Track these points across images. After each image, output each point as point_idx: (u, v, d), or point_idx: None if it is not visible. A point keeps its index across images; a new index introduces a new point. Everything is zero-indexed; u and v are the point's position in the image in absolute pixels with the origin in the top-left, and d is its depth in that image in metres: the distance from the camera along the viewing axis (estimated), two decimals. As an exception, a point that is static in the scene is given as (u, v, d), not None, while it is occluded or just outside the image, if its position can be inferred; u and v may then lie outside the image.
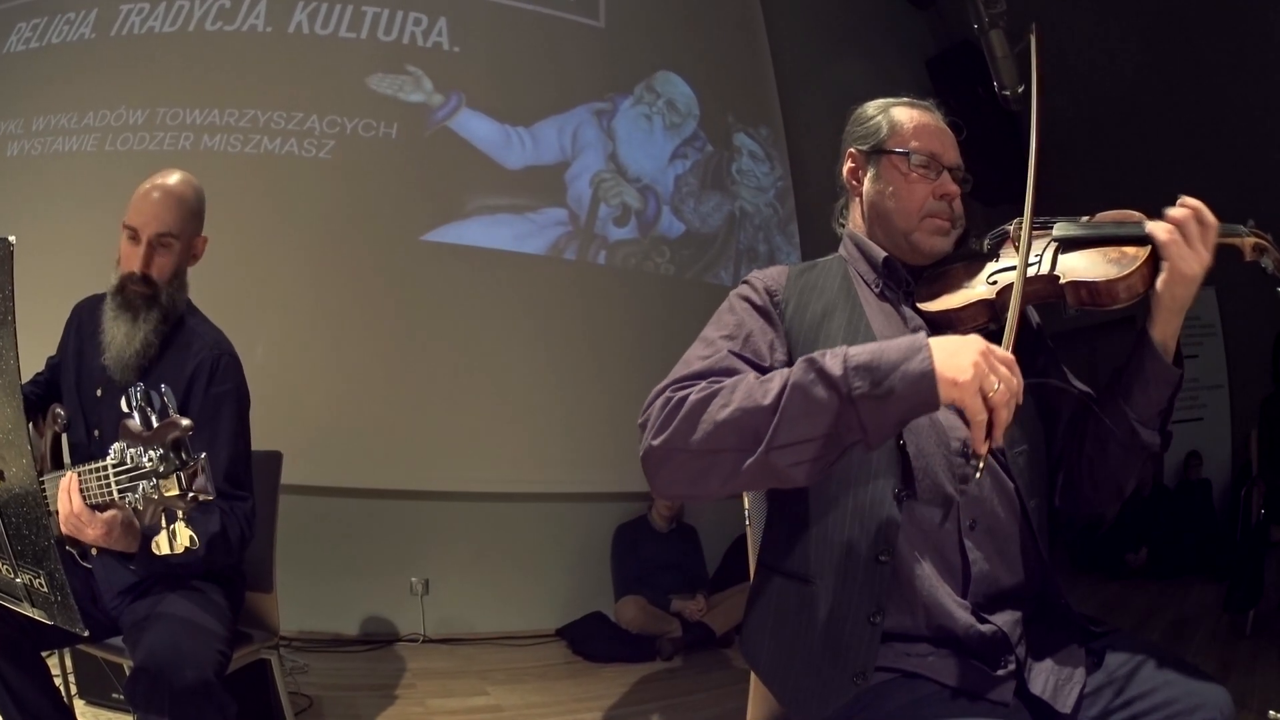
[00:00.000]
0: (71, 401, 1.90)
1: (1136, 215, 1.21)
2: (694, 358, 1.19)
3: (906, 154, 1.33)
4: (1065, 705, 1.12)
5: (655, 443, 1.08)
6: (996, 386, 0.96)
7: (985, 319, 1.22)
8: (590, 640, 3.89)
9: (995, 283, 1.24)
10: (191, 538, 1.23)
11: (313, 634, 3.69)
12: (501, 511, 4.25)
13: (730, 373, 1.14)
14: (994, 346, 1.01)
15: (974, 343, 1.00)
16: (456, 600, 4.09)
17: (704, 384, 1.11)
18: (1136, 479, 1.29)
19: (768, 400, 1.03)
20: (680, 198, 4.88)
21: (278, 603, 2.16)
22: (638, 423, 1.14)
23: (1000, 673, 1.13)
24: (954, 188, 1.32)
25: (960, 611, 1.15)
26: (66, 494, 1.46)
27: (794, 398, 1.02)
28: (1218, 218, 1.16)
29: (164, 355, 1.87)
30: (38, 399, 1.98)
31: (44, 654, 1.77)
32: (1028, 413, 1.26)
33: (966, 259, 1.32)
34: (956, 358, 0.98)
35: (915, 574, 1.16)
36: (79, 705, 2.45)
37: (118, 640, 1.78)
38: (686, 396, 1.09)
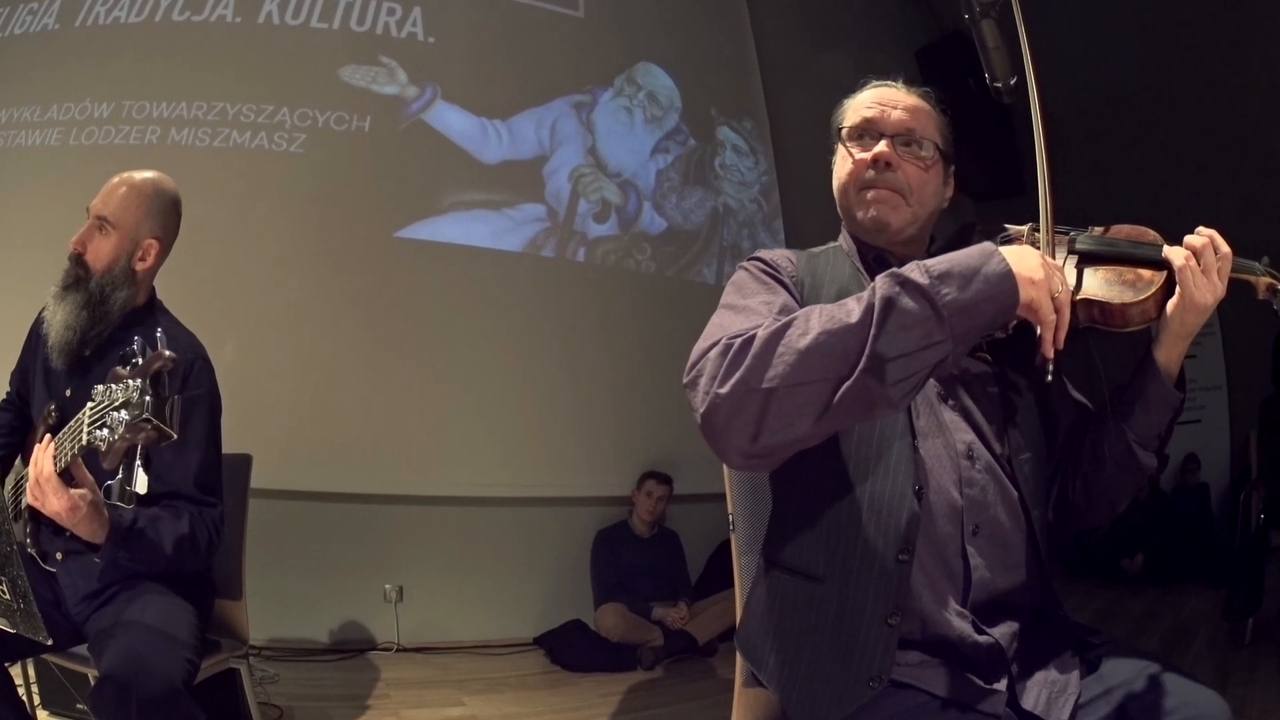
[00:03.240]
0: (42, 405, 1.86)
1: (1151, 234, 1.21)
2: (728, 321, 1.11)
3: (843, 129, 1.30)
4: (1059, 718, 1.10)
5: (724, 390, 0.99)
6: (1060, 288, 1.02)
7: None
8: (569, 649, 3.82)
9: None
10: (145, 482, 1.24)
11: (283, 642, 3.63)
12: (478, 516, 4.19)
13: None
14: None
15: (1030, 249, 1.04)
16: (431, 608, 4.03)
17: (769, 321, 1.03)
18: (1130, 497, 1.27)
19: (854, 318, 0.98)
20: (662, 193, 4.83)
21: (247, 610, 2.12)
22: (684, 382, 1.04)
23: (993, 685, 1.12)
24: (883, 150, 1.25)
25: (958, 620, 1.14)
26: (38, 458, 1.45)
27: (885, 310, 0.96)
28: (1227, 240, 1.16)
29: (114, 351, 1.80)
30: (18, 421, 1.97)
31: (6, 664, 1.75)
32: (1032, 420, 1.27)
33: None
34: (1025, 259, 1.01)
35: (916, 578, 1.14)
36: (43, 716, 2.40)
37: (82, 649, 1.73)
38: (753, 336, 1.01)
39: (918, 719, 1.10)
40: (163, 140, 3.89)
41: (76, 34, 3.96)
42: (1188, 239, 1.15)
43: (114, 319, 1.81)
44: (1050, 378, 1.05)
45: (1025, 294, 0.99)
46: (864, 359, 0.95)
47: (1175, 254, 1.14)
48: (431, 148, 4.30)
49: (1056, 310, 1.01)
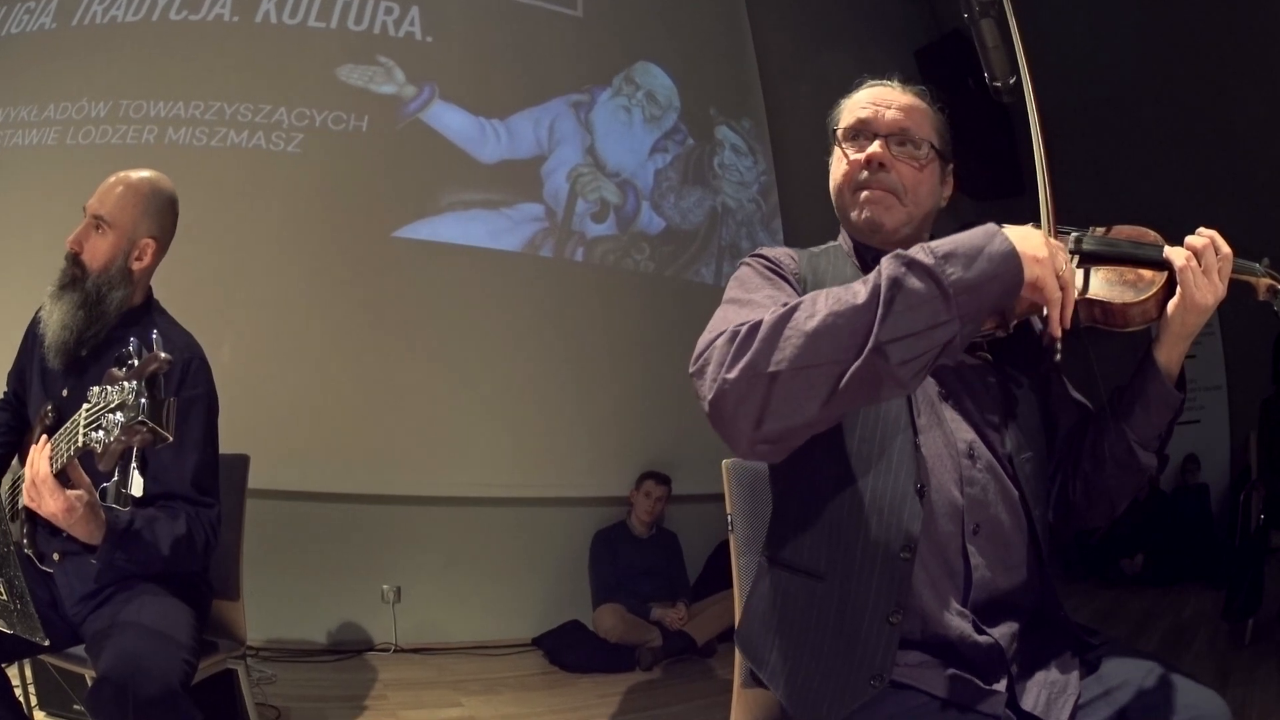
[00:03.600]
0: (38, 405, 1.85)
1: (1152, 235, 1.22)
2: (733, 315, 1.10)
3: (838, 130, 1.30)
4: (1059, 719, 1.10)
5: (732, 375, 0.98)
6: (1064, 266, 1.03)
7: (993, 325, 1.15)
8: (568, 650, 3.81)
9: None
10: (141, 484, 1.24)
11: (281, 643, 3.62)
12: (476, 517, 4.17)
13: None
14: None
15: (1033, 229, 1.06)
16: (429, 608, 4.01)
17: (775, 307, 1.03)
18: (1131, 497, 1.27)
19: (861, 300, 0.98)
20: (660, 193, 4.81)
21: (245, 611, 2.11)
22: (691, 371, 1.04)
23: (992, 685, 1.11)
24: (876, 150, 1.25)
25: (958, 620, 1.14)
26: (34, 459, 1.44)
27: (892, 291, 0.97)
28: (1227, 241, 1.16)
29: (110, 351, 1.79)
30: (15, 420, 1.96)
31: (4, 665, 1.75)
32: (1033, 420, 1.27)
33: None
34: (1029, 239, 1.02)
35: (917, 577, 1.14)
36: (40, 716, 2.40)
37: (80, 650, 1.72)
38: (760, 322, 1.01)
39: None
40: (160, 139, 3.88)
41: (73, 33, 3.95)
42: (1188, 239, 1.15)
43: (110, 319, 1.79)
44: (1059, 357, 1.07)
45: (1030, 272, 0.99)
46: (871, 339, 0.95)
47: (1176, 254, 1.14)
48: (429, 147, 4.29)
49: (1062, 288, 1.01)
